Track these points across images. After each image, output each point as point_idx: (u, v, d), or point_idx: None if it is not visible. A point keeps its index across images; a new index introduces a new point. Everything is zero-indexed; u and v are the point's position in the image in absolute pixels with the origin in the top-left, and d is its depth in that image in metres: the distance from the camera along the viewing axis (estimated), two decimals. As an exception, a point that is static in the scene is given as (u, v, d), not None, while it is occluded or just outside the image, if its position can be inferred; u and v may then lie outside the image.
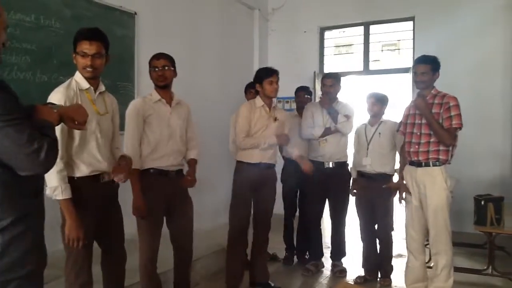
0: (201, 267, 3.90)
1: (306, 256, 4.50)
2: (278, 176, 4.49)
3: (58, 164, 2.22)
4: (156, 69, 2.95)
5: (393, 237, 3.99)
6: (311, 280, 4.12)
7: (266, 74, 3.54)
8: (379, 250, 4.02)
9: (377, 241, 4.02)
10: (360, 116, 4.23)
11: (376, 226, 4.01)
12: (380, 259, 3.99)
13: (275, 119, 3.60)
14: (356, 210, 4.09)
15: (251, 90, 4.06)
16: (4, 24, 1.51)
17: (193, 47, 5.31)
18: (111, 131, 2.59)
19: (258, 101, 3.60)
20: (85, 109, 1.86)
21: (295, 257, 4.56)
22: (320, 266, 4.35)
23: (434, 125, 3.25)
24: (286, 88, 6.46)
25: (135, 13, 4.67)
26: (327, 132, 4.10)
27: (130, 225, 2.77)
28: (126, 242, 2.68)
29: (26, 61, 3.66)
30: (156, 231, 2.97)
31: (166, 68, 2.95)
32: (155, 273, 3.02)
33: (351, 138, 4.20)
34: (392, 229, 3.97)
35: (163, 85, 2.98)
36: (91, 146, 2.39)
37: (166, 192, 2.95)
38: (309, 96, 4.57)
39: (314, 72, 6.59)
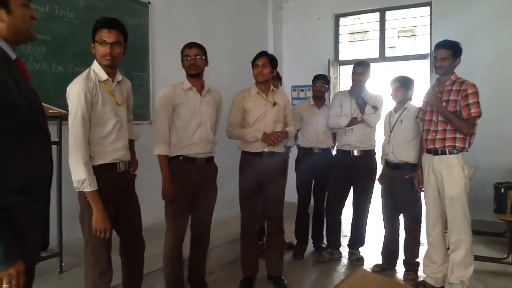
0: (216, 256, 3.91)
1: (323, 245, 4.49)
2: (292, 165, 4.48)
3: (85, 157, 2.26)
4: (188, 58, 2.99)
5: (421, 230, 3.88)
6: (328, 269, 4.11)
7: (253, 59, 3.50)
8: (404, 241, 3.93)
9: (403, 231, 3.93)
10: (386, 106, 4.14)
11: (401, 216, 3.94)
12: (405, 250, 3.92)
13: (274, 104, 3.49)
14: (380, 199, 4.03)
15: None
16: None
17: (206, 36, 5.25)
18: (129, 120, 2.61)
19: (253, 88, 3.53)
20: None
21: (305, 252, 4.49)
22: (335, 254, 4.33)
23: (451, 119, 3.21)
24: (301, 76, 6.47)
25: (149, 2, 4.67)
26: (353, 122, 4.06)
27: (147, 214, 2.77)
28: (144, 231, 2.68)
29: (41, 52, 3.68)
30: (183, 217, 3.03)
31: (198, 57, 2.99)
32: (179, 259, 3.07)
33: (380, 125, 4.12)
34: (420, 222, 3.85)
35: (195, 74, 3.01)
36: (111, 136, 2.40)
37: (193, 179, 3.00)
38: (326, 86, 4.49)
39: (329, 60, 6.51)
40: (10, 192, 1.38)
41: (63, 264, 3.16)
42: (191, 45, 3.02)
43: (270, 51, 6.45)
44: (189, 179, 2.98)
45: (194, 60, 2.98)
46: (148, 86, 4.65)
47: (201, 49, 3.03)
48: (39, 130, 1.50)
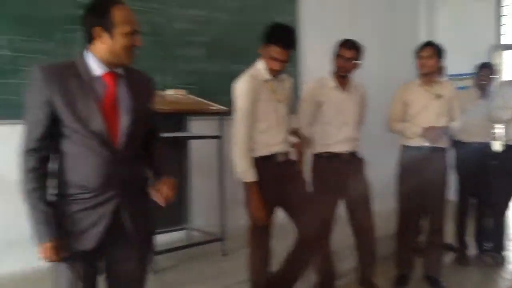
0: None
1: (486, 247, 4.10)
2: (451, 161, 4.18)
3: (247, 150, 2.46)
4: (342, 58, 2.91)
5: None
6: (493, 274, 3.75)
7: (418, 49, 3.31)
8: None
9: None
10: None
11: None
12: None
13: (438, 96, 3.28)
14: None
15: None
16: (126, 30, 1.64)
17: (353, 26, 5.18)
18: (287, 115, 2.68)
19: (416, 80, 3.37)
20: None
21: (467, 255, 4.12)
22: (500, 259, 3.94)
23: None
24: (458, 64, 5.93)
25: (298, -2, 4.76)
26: None
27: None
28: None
29: (202, 53, 4.04)
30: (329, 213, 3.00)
31: (351, 60, 2.90)
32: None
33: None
34: None
35: (343, 76, 2.97)
36: (271, 131, 2.53)
37: (339, 175, 2.96)
38: (493, 75, 4.05)
39: (491, 45, 5.91)
40: (72, 186, 1.65)
41: (225, 247, 3.43)
42: (349, 46, 2.90)
43: (422, 38, 6.10)
44: (333, 175, 2.96)
45: (347, 63, 2.90)
46: (295, 80, 4.76)
47: (358, 53, 2.92)
48: (90, 139, 1.64)
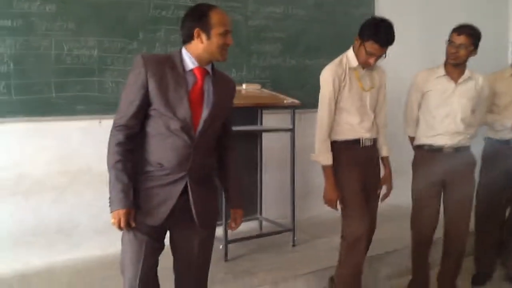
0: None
1: None
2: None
3: (326, 135, 2.54)
4: (452, 44, 2.76)
5: None
6: None
7: None
8: None
9: None
10: None
11: None
12: None
13: None
14: None
15: None
16: (221, 30, 1.79)
17: (433, 20, 4.94)
18: (376, 105, 2.68)
19: (508, 69, 3.18)
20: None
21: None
22: None
23: None
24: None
25: (376, -10, 4.67)
26: None
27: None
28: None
29: (278, 48, 4.09)
30: (428, 212, 2.90)
31: (462, 47, 2.72)
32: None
33: None
34: None
35: (454, 64, 2.78)
36: (356, 119, 2.57)
37: (441, 169, 2.84)
38: None
39: None
40: (149, 164, 1.80)
41: (295, 238, 3.48)
42: (459, 32, 2.71)
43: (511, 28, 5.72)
44: (433, 168, 2.84)
45: (457, 49, 2.71)
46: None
47: (470, 38, 2.71)
48: (174, 123, 1.78)
